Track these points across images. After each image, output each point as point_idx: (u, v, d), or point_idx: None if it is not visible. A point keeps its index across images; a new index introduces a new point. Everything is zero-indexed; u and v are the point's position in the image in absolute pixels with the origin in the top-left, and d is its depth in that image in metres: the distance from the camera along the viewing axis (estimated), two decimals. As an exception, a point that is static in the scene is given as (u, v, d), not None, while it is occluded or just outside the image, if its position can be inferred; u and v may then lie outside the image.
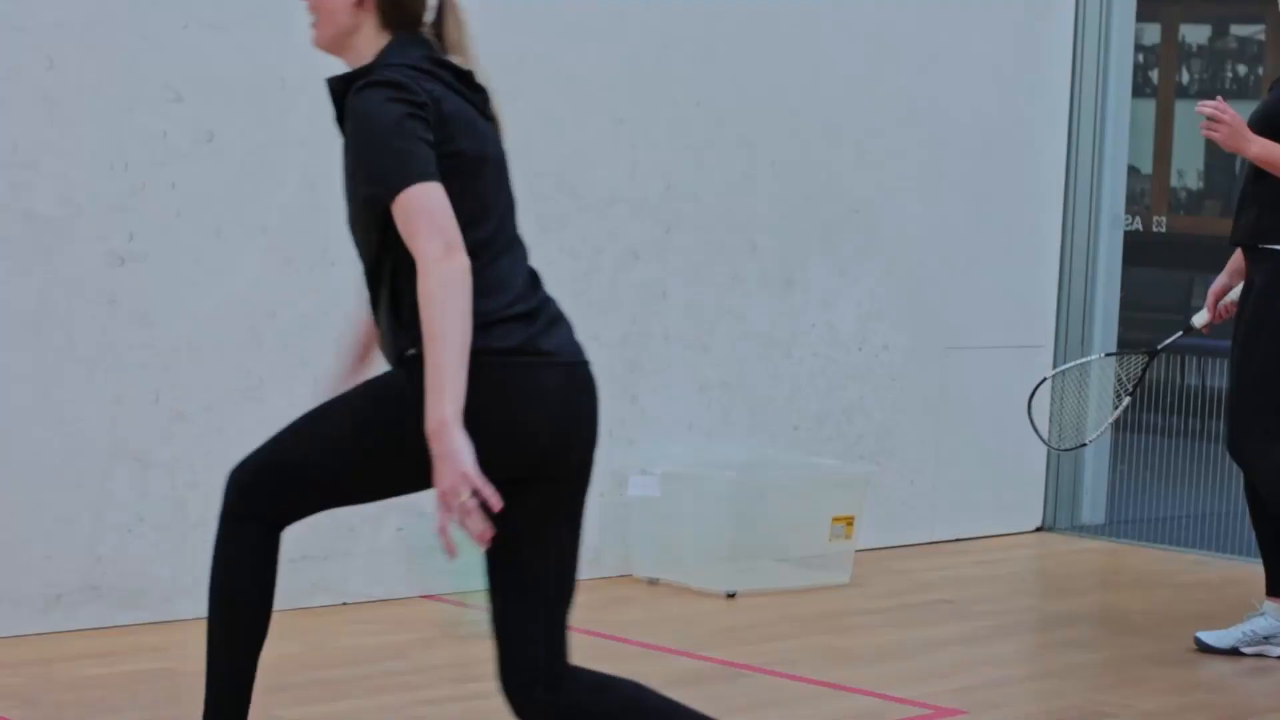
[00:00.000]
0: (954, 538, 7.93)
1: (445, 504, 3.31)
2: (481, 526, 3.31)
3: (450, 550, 3.32)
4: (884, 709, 5.22)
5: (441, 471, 3.32)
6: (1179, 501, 8.67)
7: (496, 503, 3.31)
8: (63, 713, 4.84)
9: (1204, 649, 5.97)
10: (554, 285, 6.64)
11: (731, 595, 6.58)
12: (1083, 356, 8.16)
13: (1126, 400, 6.30)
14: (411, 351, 3.50)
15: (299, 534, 6.05)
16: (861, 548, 7.08)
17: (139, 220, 5.69)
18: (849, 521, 6.87)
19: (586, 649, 5.72)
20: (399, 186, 3.40)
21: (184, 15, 5.75)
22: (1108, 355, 6.53)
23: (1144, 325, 11.11)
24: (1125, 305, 8.53)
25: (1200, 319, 6.12)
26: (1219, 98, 5.93)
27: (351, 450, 3.59)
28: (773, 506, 6.78)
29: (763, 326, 7.25)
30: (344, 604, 6.15)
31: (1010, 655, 6.11)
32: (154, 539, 5.78)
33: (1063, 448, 6.64)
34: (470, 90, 3.61)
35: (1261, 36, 13.00)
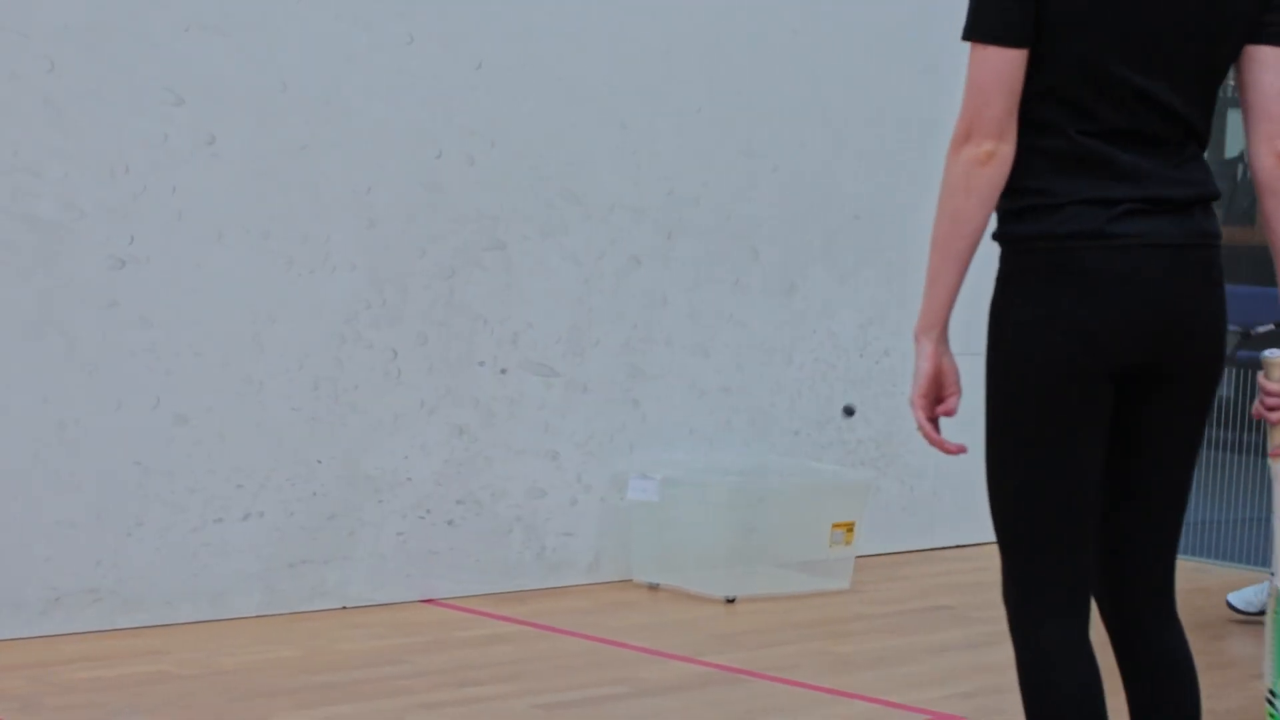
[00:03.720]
0: (954, 544, 7.92)
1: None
2: (936, 443, 3.07)
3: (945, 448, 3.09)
4: (884, 715, 5.22)
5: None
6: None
7: (931, 427, 3.07)
8: (61, 716, 4.84)
9: (1236, 613, 6.27)
10: (556, 290, 6.70)
11: (731, 600, 6.57)
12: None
13: None
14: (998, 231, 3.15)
15: (299, 538, 6.09)
16: (862, 553, 7.08)
17: (140, 224, 5.70)
18: (849, 527, 6.86)
19: (586, 653, 5.74)
20: (964, 36, 2.99)
21: (185, 19, 5.75)
22: None
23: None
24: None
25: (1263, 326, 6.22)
26: None
27: (1015, 436, 3.15)
28: (773, 512, 6.77)
29: (764, 332, 7.25)
30: (344, 608, 6.15)
31: (1011, 661, 6.07)
32: (154, 543, 5.78)
33: None
34: None
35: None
